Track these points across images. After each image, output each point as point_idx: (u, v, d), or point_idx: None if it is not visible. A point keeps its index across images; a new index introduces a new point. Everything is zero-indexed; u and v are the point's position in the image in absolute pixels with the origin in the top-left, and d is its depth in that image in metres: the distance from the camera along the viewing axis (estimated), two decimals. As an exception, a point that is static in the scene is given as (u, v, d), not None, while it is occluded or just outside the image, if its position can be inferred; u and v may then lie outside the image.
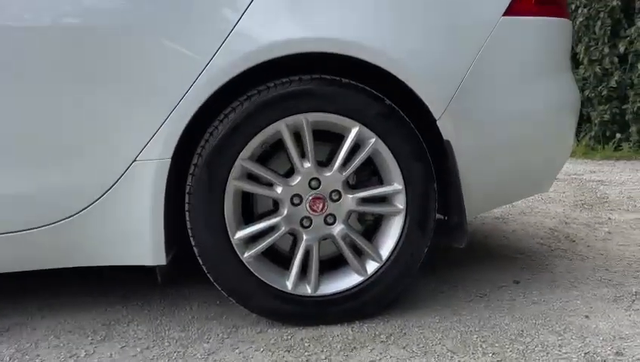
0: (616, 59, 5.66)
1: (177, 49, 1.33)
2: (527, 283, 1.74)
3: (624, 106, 5.56)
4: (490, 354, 1.27)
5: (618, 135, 5.56)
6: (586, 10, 5.85)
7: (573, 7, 6.05)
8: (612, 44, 5.74)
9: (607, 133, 5.60)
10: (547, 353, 1.27)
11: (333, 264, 1.54)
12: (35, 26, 1.31)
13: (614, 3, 5.61)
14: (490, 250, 2.12)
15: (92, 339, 1.40)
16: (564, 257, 2.00)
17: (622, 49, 5.61)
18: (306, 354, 1.30)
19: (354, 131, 1.43)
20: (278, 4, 1.38)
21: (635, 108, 5.43)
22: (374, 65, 1.41)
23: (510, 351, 1.28)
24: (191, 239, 1.41)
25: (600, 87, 5.66)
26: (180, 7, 1.33)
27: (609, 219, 2.55)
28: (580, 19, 5.89)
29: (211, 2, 1.35)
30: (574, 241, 2.21)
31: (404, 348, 1.31)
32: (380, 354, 1.29)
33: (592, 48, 5.72)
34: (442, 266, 1.89)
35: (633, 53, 5.50)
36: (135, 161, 1.36)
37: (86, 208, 1.37)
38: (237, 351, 1.32)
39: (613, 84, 5.63)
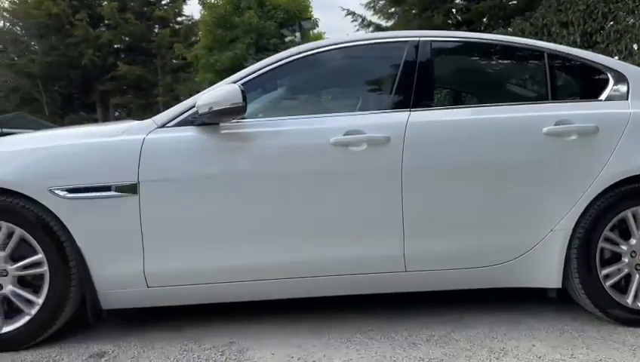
0: None
1: (588, 170, 2.47)
2: None
3: None
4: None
5: None
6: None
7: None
8: None
9: None
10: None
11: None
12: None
13: None
14: None
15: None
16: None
17: None
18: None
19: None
20: (628, 151, 2.49)
21: None
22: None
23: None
24: (576, 273, 2.51)
25: None
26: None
27: None
28: None
29: (595, 149, 2.48)
30: None
31: None
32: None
33: None
34: None
35: None
36: (552, 230, 2.49)
37: (517, 257, 2.51)
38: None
39: None
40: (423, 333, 2.47)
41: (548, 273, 2.52)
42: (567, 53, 2.73)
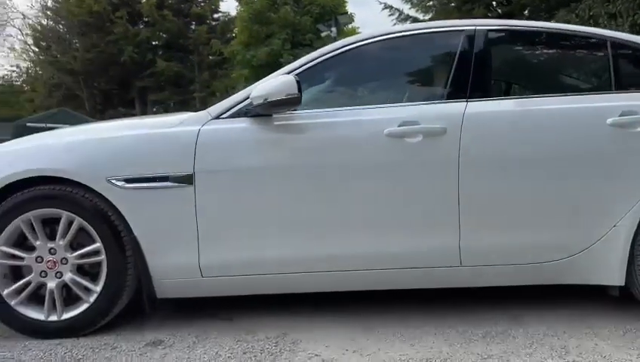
0: None
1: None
2: None
3: None
4: None
5: None
6: None
7: None
8: None
9: None
10: None
11: None
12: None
13: None
14: None
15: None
16: None
17: None
18: None
19: None
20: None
21: None
22: None
23: None
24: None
25: None
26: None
27: None
28: None
29: None
30: None
31: None
32: None
33: None
34: None
35: None
36: (614, 226, 2.40)
37: (578, 253, 2.42)
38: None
39: None
40: (479, 329, 2.42)
41: (610, 270, 2.43)
42: (632, 42, 2.61)
